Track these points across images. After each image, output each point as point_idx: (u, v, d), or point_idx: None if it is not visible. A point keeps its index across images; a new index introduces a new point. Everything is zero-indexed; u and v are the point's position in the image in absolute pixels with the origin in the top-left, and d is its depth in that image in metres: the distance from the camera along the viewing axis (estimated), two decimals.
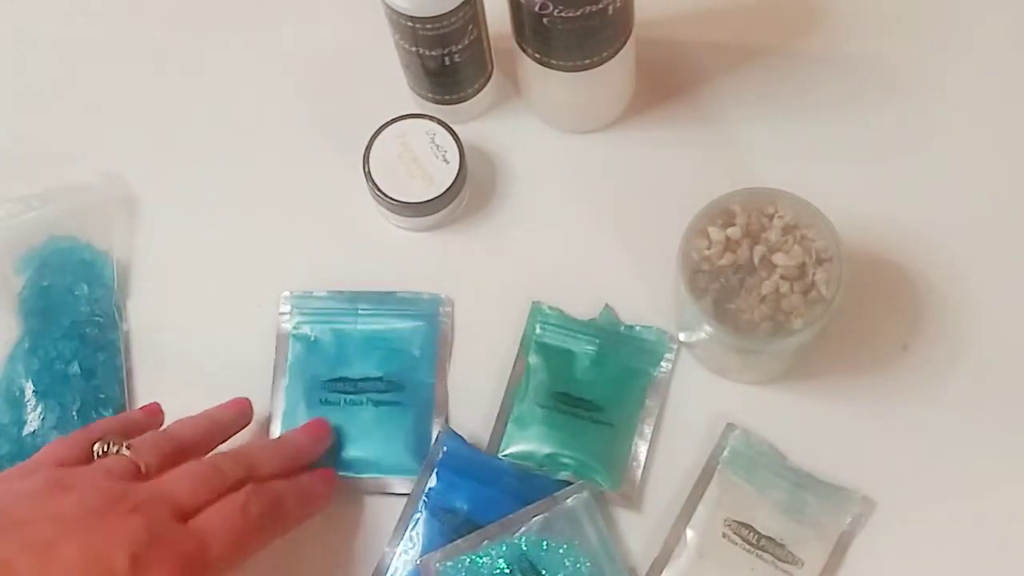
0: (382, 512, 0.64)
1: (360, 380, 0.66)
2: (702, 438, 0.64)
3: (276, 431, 0.66)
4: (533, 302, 0.67)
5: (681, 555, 0.61)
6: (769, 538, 0.61)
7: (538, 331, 0.66)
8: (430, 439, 0.65)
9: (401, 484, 0.64)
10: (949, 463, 0.64)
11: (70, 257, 0.69)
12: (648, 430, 0.64)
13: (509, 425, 0.64)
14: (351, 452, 0.64)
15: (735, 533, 0.61)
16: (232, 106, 0.74)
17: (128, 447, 0.55)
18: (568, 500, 0.61)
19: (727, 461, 0.63)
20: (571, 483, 0.62)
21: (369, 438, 0.65)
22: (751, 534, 0.61)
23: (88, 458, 0.55)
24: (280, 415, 0.66)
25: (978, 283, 0.67)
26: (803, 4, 0.74)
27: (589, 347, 0.66)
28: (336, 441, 0.64)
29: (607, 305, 0.66)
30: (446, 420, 0.66)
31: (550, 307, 0.67)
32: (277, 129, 0.73)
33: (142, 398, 0.67)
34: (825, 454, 0.64)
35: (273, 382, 0.66)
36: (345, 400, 0.65)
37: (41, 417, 0.65)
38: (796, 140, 0.70)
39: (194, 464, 0.55)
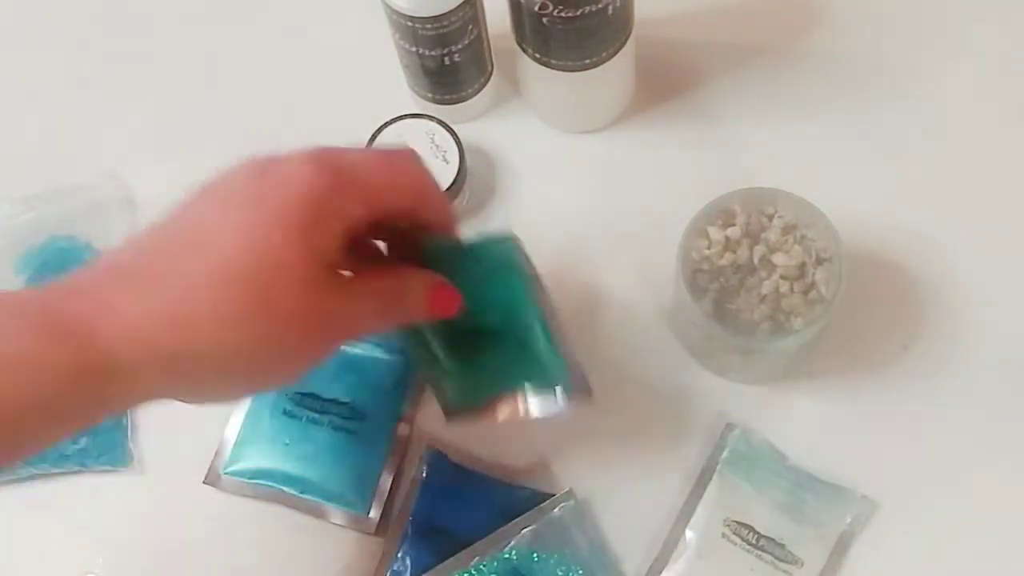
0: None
1: (328, 400, 0.64)
2: (702, 438, 0.64)
3: (232, 432, 0.64)
4: None
5: (681, 555, 0.61)
6: (769, 538, 0.61)
7: None
8: (376, 478, 0.63)
9: (337, 515, 0.63)
10: (949, 463, 0.64)
11: (70, 257, 0.68)
12: (557, 329, 0.56)
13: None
14: (297, 470, 0.63)
15: (735, 533, 0.61)
16: (232, 105, 0.74)
17: None
18: (555, 510, 0.61)
19: (727, 461, 0.63)
20: (553, 494, 0.61)
21: (318, 461, 0.63)
22: (751, 534, 0.61)
23: None
24: (242, 415, 0.65)
25: (978, 283, 0.67)
26: (803, 4, 0.74)
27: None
28: (286, 455, 0.64)
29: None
30: (401, 461, 0.64)
31: None
32: (277, 129, 0.73)
33: None
34: (825, 454, 0.63)
35: None
36: (307, 417, 0.64)
37: None
38: (796, 140, 0.70)
39: None
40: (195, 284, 0.44)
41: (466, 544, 0.60)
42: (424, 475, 0.63)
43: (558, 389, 0.56)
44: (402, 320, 0.53)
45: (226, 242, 0.44)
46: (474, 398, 0.58)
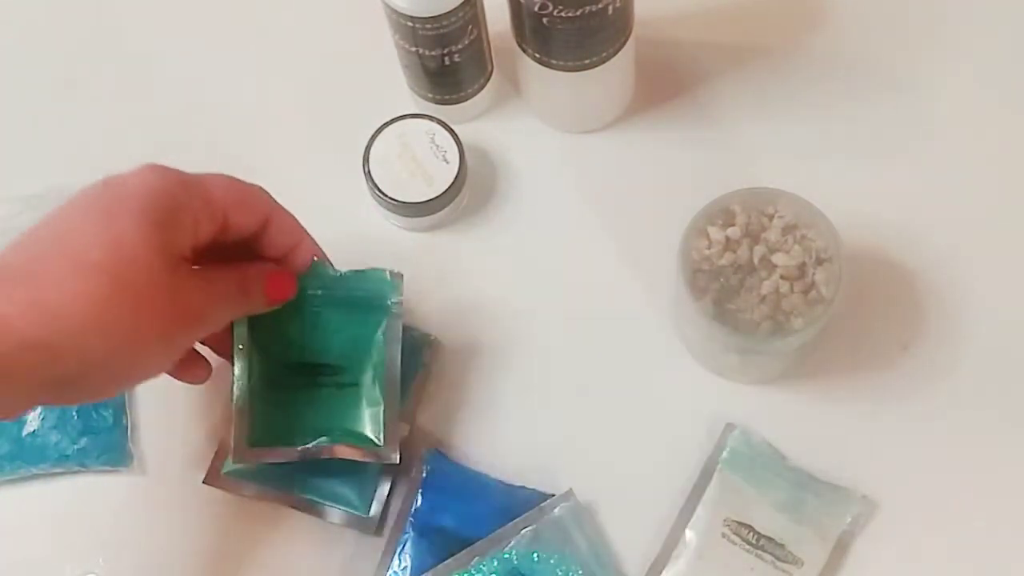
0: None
1: None
2: (702, 438, 0.64)
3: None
4: None
5: (680, 556, 0.61)
6: (769, 538, 0.61)
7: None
8: (376, 478, 0.63)
9: (337, 515, 0.63)
10: (949, 463, 0.64)
11: None
12: (391, 383, 0.61)
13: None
14: (297, 469, 0.62)
15: (734, 533, 0.61)
16: (232, 106, 0.74)
17: None
18: (555, 510, 0.61)
19: (726, 461, 0.63)
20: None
21: (318, 461, 0.61)
22: (751, 534, 0.61)
23: None
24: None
25: (978, 283, 0.67)
26: (803, 4, 0.74)
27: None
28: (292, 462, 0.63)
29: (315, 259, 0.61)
30: (401, 461, 0.63)
31: None
32: (277, 129, 0.73)
33: (142, 397, 0.67)
34: (825, 454, 0.64)
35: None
36: None
37: (41, 417, 0.65)
38: (796, 140, 0.70)
39: None
40: (59, 278, 0.48)
41: (466, 544, 0.60)
42: (424, 475, 0.63)
43: (370, 446, 0.60)
44: (248, 307, 0.58)
45: (87, 240, 0.49)
46: (281, 437, 0.60)
